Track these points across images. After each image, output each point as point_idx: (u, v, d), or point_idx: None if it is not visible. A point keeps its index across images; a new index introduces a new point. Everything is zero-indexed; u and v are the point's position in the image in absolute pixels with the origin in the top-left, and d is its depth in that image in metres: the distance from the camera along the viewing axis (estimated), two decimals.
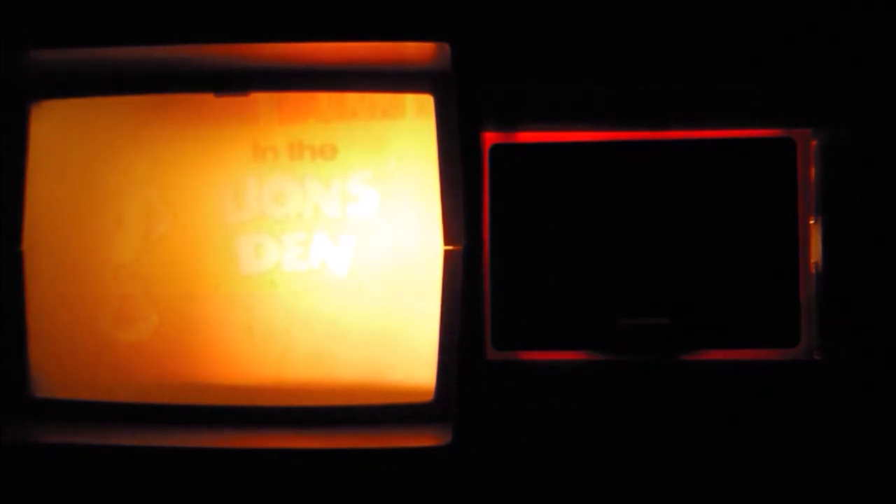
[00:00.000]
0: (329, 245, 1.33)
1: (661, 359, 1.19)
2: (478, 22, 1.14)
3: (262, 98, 1.34)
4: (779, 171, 1.21)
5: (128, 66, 1.32)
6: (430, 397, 1.29)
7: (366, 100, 1.33)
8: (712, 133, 1.23)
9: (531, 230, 1.20)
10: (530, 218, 1.20)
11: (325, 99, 1.33)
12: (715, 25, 1.18)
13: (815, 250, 1.20)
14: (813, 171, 1.22)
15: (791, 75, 1.17)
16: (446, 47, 1.20)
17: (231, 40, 1.24)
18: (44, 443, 1.28)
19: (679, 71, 1.20)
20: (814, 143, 1.21)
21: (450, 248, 1.28)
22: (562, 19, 1.16)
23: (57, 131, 1.35)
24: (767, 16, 1.17)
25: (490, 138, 1.22)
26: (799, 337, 1.20)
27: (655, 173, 1.21)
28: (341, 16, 1.19)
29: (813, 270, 1.20)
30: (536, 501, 1.18)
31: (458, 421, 1.21)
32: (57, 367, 1.35)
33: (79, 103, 1.36)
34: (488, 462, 1.20)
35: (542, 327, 1.22)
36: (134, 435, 1.28)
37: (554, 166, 1.21)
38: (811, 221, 1.21)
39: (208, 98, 1.34)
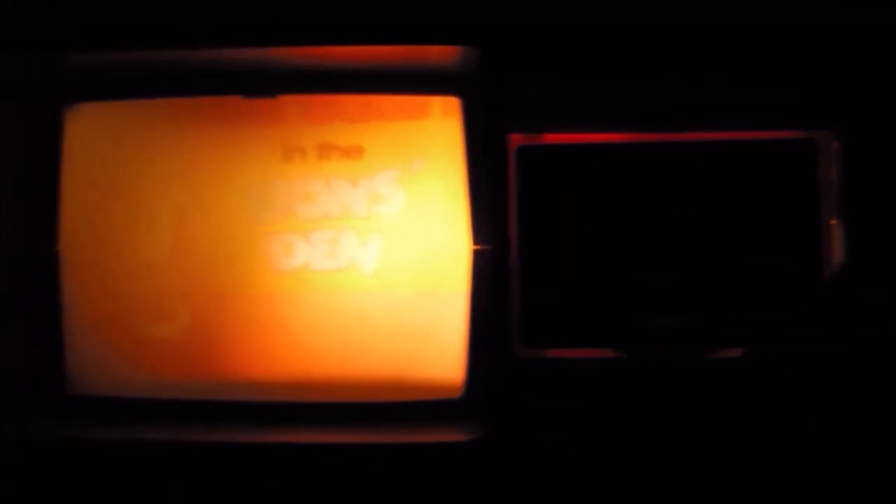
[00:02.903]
0: (357, 244, 1.35)
1: (685, 357, 1.21)
2: (506, 25, 1.16)
3: (289, 100, 1.36)
4: (801, 172, 1.23)
5: (158, 70, 1.35)
6: (458, 394, 1.32)
7: (392, 101, 1.35)
8: (735, 135, 1.24)
9: (558, 230, 1.22)
10: (557, 218, 1.22)
11: (351, 100, 1.36)
12: (738, 28, 1.20)
13: (837, 250, 1.22)
14: (834, 173, 1.24)
15: (813, 78, 1.19)
16: (474, 51, 1.22)
17: (259, 44, 1.26)
18: (79, 439, 1.31)
19: (703, 73, 1.22)
20: (834, 144, 1.22)
21: (478, 247, 1.31)
22: (586, 22, 1.18)
23: (91, 133, 1.38)
24: (789, 18, 1.19)
25: (516, 140, 1.23)
26: (819, 335, 1.21)
27: (679, 174, 1.23)
28: (369, 20, 1.21)
29: (834, 270, 1.22)
30: (564, 498, 1.20)
31: (487, 417, 1.25)
32: (92, 365, 1.38)
33: (112, 106, 1.39)
34: (517, 458, 1.22)
35: (569, 325, 1.24)
36: (167, 431, 1.30)
37: (579, 167, 1.23)
38: (832, 222, 1.23)
39: (237, 100, 1.37)
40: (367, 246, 1.35)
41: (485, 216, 1.30)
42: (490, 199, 1.29)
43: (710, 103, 1.23)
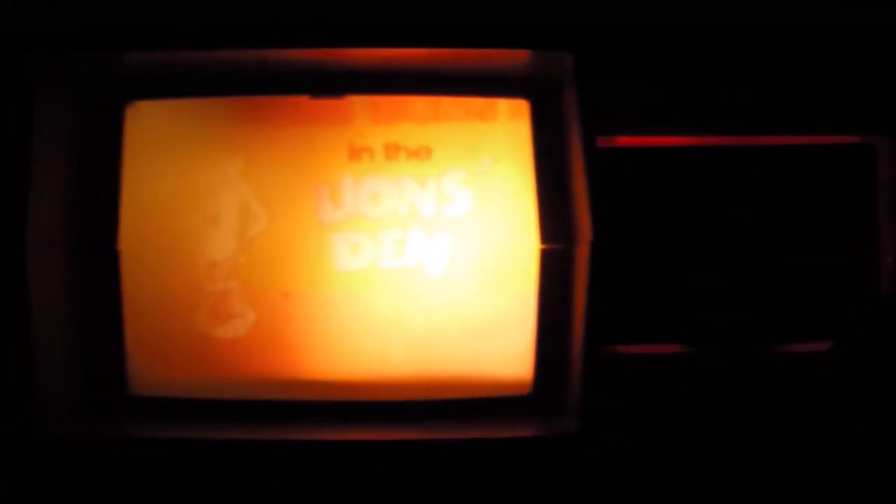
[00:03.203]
0: (424, 243, 1.37)
1: (748, 352, 1.26)
2: (598, 30, 1.19)
3: (357, 100, 1.37)
4: (858, 176, 1.29)
5: (223, 69, 1.34)
6: (526, 390, 1.35)
7: (459, 102, 1.37)
8: (794, 139, 1.30)
9: (631, 229, 1.25)
10: (630, 217, 1.25)
11: (419, 101, 1.37)
12: (804, 30, 1.25)
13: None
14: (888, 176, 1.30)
15: (872, 82, 1.25)
16: (553, 55, 1.25)
17: (328, 44, 1.27)
18: (141, 439, 1.30)
19: (768, 77, 1.27)
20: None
21: (546, 246, 1.34)
22: (670, 24, 1.21)
23: (152, 131, 1.36)
24: (850, 20, 1.24)
25: (598, 141, 1.26)
26: (873, 334, 1.27)
27: (744, 177, 1.27)
28: (456, 22, 1.22)
29: (892, 272, 1.28)
30: (638, 490, 1.24)
31: (563, 412, 1.28)
32: (154, 365, 1.37)
33: (173, 104, 1.37)
34: (589, 453, 1.25)
35: (640, 321, 1.27)
36: (231, 431, 1.30)
37: (649, 169, 1.27)
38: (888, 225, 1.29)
39: (303, 99, 1.37)
40: (435, 245, 1.36)
41: (554, 216, 1.34)
42: (561, 199, 1.33)
43: (772, 108, 1.28)
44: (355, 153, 1.37)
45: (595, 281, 1.17)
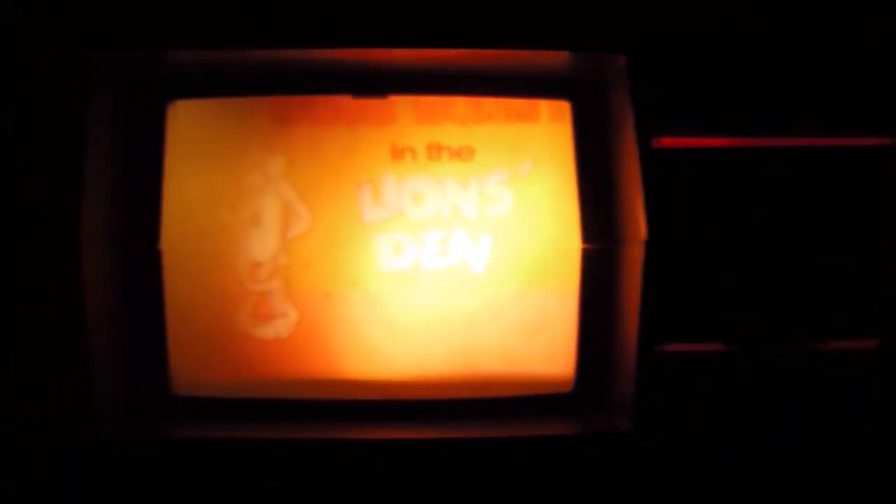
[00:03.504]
0: (467, 243, 1.38)
1: (792, 350, 1.29)
2: (649, 33, 1.21)
3: (399, 100, 1.37)
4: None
5: (266, 68, 1.34)
6: (568, 387, 1.36)
7: (501, 103, 1.38)
8: (831, 141, 1.32)
9: (677, 228, 1.26)
10: (676, 217, 1.26)
11: (461, 102, 1.38)
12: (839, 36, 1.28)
13: None
14: None
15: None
16: (596, 56, 1.27)
17: (371, 45, 1.27)
18: (184, 439, 1.30)
19: (802, 81, 1.29)
20: None
21: (588, 245, 1.35)
22: (711, 29, 1.24)
23: (194, 131, 1.36)
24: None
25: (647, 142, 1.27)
26: None
27: (786, 178, 1.29)
28: (507, 25, 1.23)
29: None
30: (683, 488, 1.26)
31: (607, 410, 1.30)
32: (196, 365, 1.36)
33: (215, 103, 1.37)
34: (632, 451, 1.27)
35: (683, 320, 1.29)
36: (274, 430, 1.31)
37: (693, 169, 1.28)
38: None
39: (346, 99, 1.37)
40: (477, 245, 1.37)
41: (595, 216, 1.35)
42: (602, 200, 1.35)
43: (809, 109, 1.30)
44: (398, 153, 1.37)
45: (649, 280, 1.19)
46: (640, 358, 1.21)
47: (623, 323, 1.29)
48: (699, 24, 1.24)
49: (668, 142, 1.27)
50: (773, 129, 1.29)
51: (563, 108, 1.37)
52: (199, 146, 1.36)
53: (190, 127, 1.36)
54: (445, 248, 1.37)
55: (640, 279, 1.20)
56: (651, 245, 1.21)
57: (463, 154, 1.37)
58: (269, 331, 1.37)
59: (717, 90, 1.26)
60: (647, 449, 1.24)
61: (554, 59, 1.31)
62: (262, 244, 1.37)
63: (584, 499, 1.29)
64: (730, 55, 1.23)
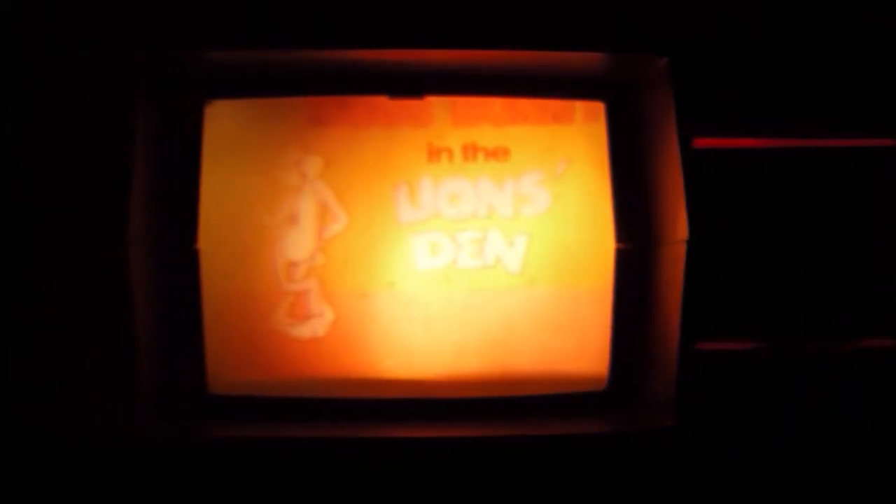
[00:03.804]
0: (503, 244, 1.39)
1: (821, 348, 1.31)
2: (690, 35, 1.23)
3: (435, 101, 1.38)
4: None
5: (302, 68, 1.34)
6: (602, 386, 1.38)
7: (536, 104, 1.39)
8: (865, 142, 1.33)
9: (713, 228, 1.28)
10: (713, 216, 1.28)
11: (497, 103, 1.39)
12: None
13: None
14: None
15: None
16: (632, 58, 1.29)
17: (408, 45, 1.28)
18: (221, 438, 1.30)
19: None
20: None
21: (622, 245, 1.37)
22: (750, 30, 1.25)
23: (231, 130, 1.36)
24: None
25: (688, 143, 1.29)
26: None
27: (818, 178, 1.31)
28: (548, 26, 1.25)
29: None
30: (722, 487, 1.28)
31: (645, 408, 1.32)
32: (232, 365, 1.37)
33: (253, 103, 1.37)
34: (667, 449, 1.29)
35: (717, 318, 1.30)
36: (310, 429, 1.31)
37: (728, 170, 1.30)
38: None
39: (382, 100, 1.38)
40: (513, 246, 1.39)
41: (629, 216, 1.37)
42: (637, 200, 1.37)
43: (839, 110, 1.32)
44: (434, 154, 1.38)
45: (690, 279, 1.20)
46: (688, 357, 1.22)
47: (661, 321, 1.30)
48: (737, 26, 1.26)
49: (704, 142, 1.28)
50: (807, 130, 1.31)
51: (598, 108, 1.38)
52: (236, 146, 1.37)
53: (227, 127, 1.36)
54: (481, 248, 1.39)
55: (682, 278, 1.21)
56: (698, 244, 1.22)
57: (498, 155, 1.39)
58: (306, 330, 1.38)
59: (754, 91, 1.27)
60: (686, 447, 1.26)
61: (589, 60, 1.32)
62: (299, 244, 1.38)
63: (619, 497, 1.30)
64: (766, 57, 1.25)
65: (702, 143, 1.28)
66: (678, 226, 1.24)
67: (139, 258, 1.27)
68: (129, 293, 1.20)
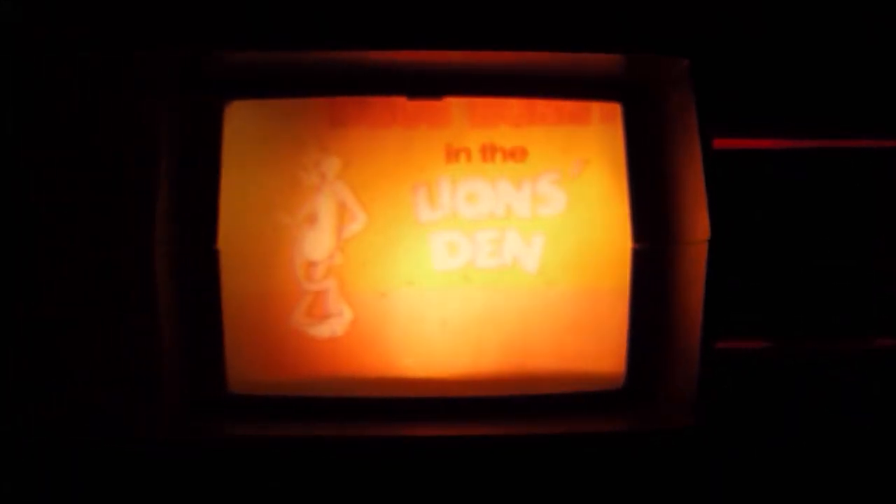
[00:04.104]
0: (520, 244, 1.40)
1: (838, 347, 1.32)
2: (712, 38, 1.24)
3: (454, 101, 1.39)
4: None
5: (321, 69, 1.35)
6: (619, 384, 1.39)
7: (553, 105, 1.40)
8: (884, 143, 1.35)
9: (734, 228, 1.29)
10: (729, 217, 1.29)
11: (515, 104, 1.40)
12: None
13: None
14: None
15: None
16: (646, 59, 1.30)
17: (426, 46, 1.29)
18: (241, 437, 1.31)
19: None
20: None
21: (638, 245, 1.38)
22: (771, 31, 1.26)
23: (250, 131, 1.37)
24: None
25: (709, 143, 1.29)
26: None
27: (836, 178, 1.32)
28: (570, 27, 1.26)
29: None
30: (742, 484, 1.29)
31: (665, 406, 1.33)
32: (252, 364, 1.37)
33: (272, 103, 1.38)
34: (685, 447, 1.30)
35: (733, 317, 1.31)
36: (329, 428, 1.32)
37: (745, 170, 1.31)
38: None
39: (401, 100, 1.39)
40: (531, 245, 1.40)
41: (646, 216, 1.38)
42: (653, 200, 1.38)
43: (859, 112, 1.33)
44: (452, 154, 1.39)
45: (712, 278, 1.21)
46: (709, 355, 1.23)
47: (680, 320, 1.31)
48: (757, 28, 1.27)
49: (724, 143, 1.29)
50: (825, 131, 1.31)
51: (614, 109, 1.39)
52: (255, 147, 1.37)
53: (247, 128, 1.37)
54: (499, 247, 1.40)
55: (704, 277, 1.22)
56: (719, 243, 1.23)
57: (516, 155, 1.40)
58: (325, 330, 1.39)
59: (773, 92, 1.28)
60: (705, 445, 1.27)
61: (606, 62, 1.33)
62: (318, 244, 1.38)
63: (636, 495, 1.31)
64: (785, 58, 1.26)
65: (721, 143, 1.29)
66: (698, 226, 1.25)
67: (160, 258, 1.28)
68: (155, 294, 1.20)
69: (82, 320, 1.24)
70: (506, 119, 1.40)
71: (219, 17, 1.26)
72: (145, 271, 1.25)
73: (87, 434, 1.24)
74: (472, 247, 1.40)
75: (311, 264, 1.38)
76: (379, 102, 1.39)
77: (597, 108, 1.41)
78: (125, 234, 1.24)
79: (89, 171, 1.24)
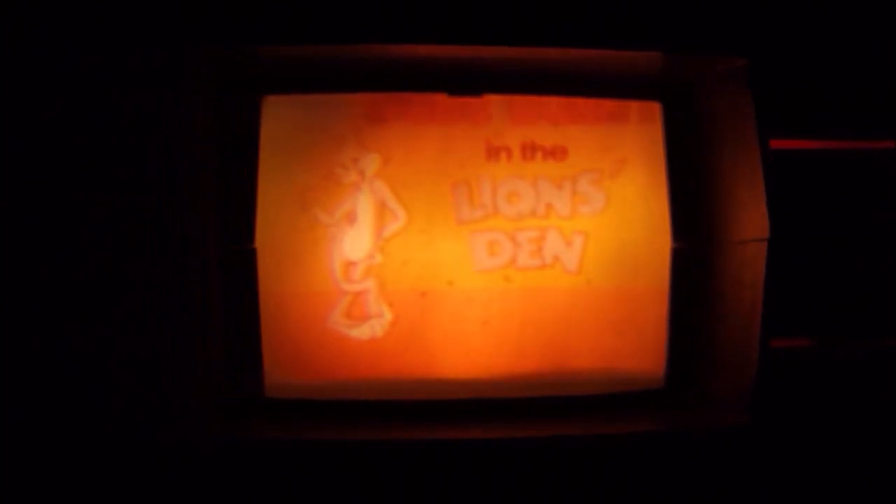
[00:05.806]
0: (561, 243, 1.39)
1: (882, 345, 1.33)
2: (769, 38, 1.25)
3: (494, 99, 1.38)
4: None
5: (361, 65, 1.32)
6: (660, 384, 1.39)
7: (593, 104, 1.40)
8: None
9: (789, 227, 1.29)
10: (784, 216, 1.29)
11: (555, 102, 1.39)
12: None
13: None
14: None
15: None
16: (697, 59, 1.30)
17: (467, 42, 1.27)
18: (279, 441, 1.27)
19: None
20: None
21: (678, 244, 1.38)
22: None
23: (288, 127, 1.33)
24: None
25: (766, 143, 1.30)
26: None
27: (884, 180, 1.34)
28: (619, 26, 1.25)
29: None
30: (791, 482, 1.29)
31: (713, 406, 1.33)
32: (289, 367, 1.34)
33: (310, 99, 1.34)
34: (724, 446, 1.30)
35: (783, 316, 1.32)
36: (369, 431, 1.29)
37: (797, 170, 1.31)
38: None
39: (441, 97, 1.37)
40: (571, 245, 1.39)
41: (685, 215, 1.39)
42: (693, 200, 1.38)
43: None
44: (493, 153, 1.38)
45: (770, 276, 1.22)
46: (766, 354, 1.23)
47: (728, 319, 1.31)
48: (812, 27, 1.27)
49: (780, 144, 1.29)
50: (876, 132, 1.33)
51: (654, 109, 1.39)
52: (293, 143, 1.34)
53: (284, 123, 1.33)
54: (540, 247, 1.39)
55: (763, 277, 1.22)
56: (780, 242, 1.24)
57: (556, 154, 1.39)
58: (365, 331, 1.36)
59: (829, 93, 1.29)
60: (758, 443, 1.27)
61: (645, 60, 1.33)
62: (357, 243, 1.35)
63: (678, 494, 1.31)
64: (842, 59, 1.27)
65: (777, 144, 1.28)
66: (751, 225, 1.25)
67: (195, 258, 1.23)
68: (192, 295, 1.16)
69: (119, 322, 1.19)
70: (545, 117, 1.39)
71: (257, 13, 1.22)
72: (181, 272, 1.21)
73: (122, 436, 1.20)
74: (513, 246, 1.38)
75: (350, 264, 1.35)
76: (418, 99, 1.37)
77: (636, 107, 1.41)
78: (160, 234, 1.19)
79: (125, 170, 1.19)
